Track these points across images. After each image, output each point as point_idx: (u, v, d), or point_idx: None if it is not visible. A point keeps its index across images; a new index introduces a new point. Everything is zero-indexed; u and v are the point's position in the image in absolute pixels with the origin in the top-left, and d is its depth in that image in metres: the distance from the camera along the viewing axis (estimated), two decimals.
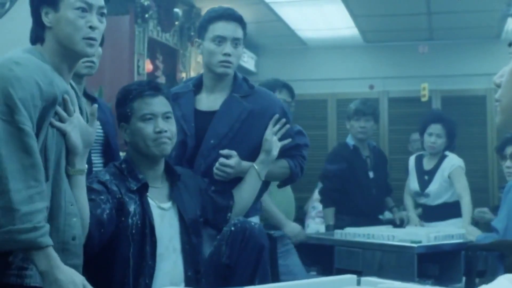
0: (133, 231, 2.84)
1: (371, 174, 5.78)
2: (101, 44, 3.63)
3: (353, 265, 4.61)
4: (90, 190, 2.73)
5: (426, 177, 5.86)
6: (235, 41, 3.45)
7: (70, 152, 2.51)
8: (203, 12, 7.64)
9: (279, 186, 3.80)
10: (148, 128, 2.96)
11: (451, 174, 5.64)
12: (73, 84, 2.76)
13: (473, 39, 9.00)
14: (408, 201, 6.09)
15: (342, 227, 5.07)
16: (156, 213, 2.94)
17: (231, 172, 3.30)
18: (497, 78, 1.42)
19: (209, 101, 3.48)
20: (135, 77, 6.15)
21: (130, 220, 2.84)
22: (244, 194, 3.34)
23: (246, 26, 3.55)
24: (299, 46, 9.72)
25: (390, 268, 4.51)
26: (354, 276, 2.31)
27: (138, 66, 6.23)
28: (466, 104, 8.99)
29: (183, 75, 7.25)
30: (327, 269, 4.90)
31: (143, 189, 2.93)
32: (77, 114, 2.54)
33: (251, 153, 3.38)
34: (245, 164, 3.35)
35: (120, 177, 2.93)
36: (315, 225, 7.08)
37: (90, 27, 2.51)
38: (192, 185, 3.18)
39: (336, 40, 9.48)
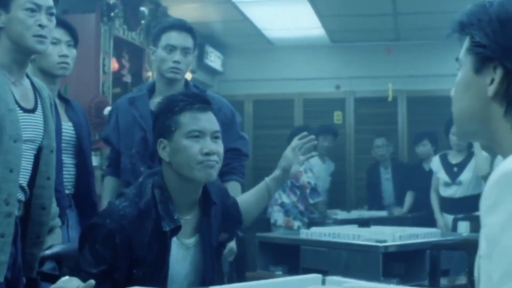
0: (139, 274, 2.52)
1: None
2: (76, 46, 3.66)
3: (319, 265, 4.62)
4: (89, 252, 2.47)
5: (455, 169, 6.22)
6: (185, 50, 3.75)
7: None
8: (169, 11, 7.66)
9: None
10: (194, 148, 2.53)
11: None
12: (32, 78, 2.84)
13: (440, 40, 9.05)
14: (435, 202, 6.55)
15: None
16: (177, 253, 2.60)
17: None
18: (452, 91, 1.47)
19: None
20: (101, 76, 6.11)
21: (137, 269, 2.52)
22: (251, 209, 3.00)
23: (196, 36, 3.84)
24: (266, 46, 9.72)
25: (356, 267, 4.53)
26: (319, 276, 2.31)
27: (104, 65, 6.19)
28: (432, 104, 9.04)
29: (149, 74, 7.22)
30: (293, 269, 4.91)
31: (173, 232, 2.55)
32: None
33: None
34: None
35: (146, 218, 2.52)
36: (275, 213, 7.30)
37: (40, 26, 2.74)
38: (219, 207, 2.79)
39: (303, 40, 9.49)
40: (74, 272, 2.45)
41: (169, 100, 2.64)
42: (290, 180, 7.17)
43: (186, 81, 3.87)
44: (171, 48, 3.72)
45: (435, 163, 6.81)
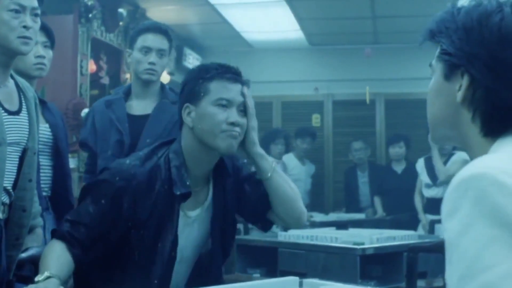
0: (144, 242, 2.48)
1: None
2: (52, 47, 3.64)
3: (297, 267, 4.62)
4: (91, 201, 2.47)
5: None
6: (160, 52, 3.81)
7: None
8: (148, 13, 7.65)
9: None
10: (220, 116, 2.47)
11: (451, 161, 6.25)
12: (17, 78, 2.80)
13: (417, 44, 9.10)
14: (418, 203, 6.78)
15: None
16: (179, 222, 2.54)
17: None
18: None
19: (140, 106, 3.82)
20: (78, 77, 6.09)
21: (142, 231, 2.48)
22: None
23: (172, 39, 3.92)
24: (245, 48, 9.72)
25: (334, 270, 4.54)
26: (297, 278, 2.31)
27: (82, 67, 6.16)
28: (409, 107, 9.09)
29: (127, 76, 7.19)
30: (270, 271, 4.91)
31: (182, 198, 2.50)
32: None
33: None
34: None
35: (155, 180, 2.49)
36: None
37: (24, 27, 2.68)
38: (235, 180, 2.67)
39: (282, 43, 9.51)
40: (72, 224, 2.44)
41: (201, 67, 2.63)
42: None
43: (162, 84, 3.93)
44: (147, 50, 3.79)
45: (420, 165, 6.99)
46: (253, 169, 2.68)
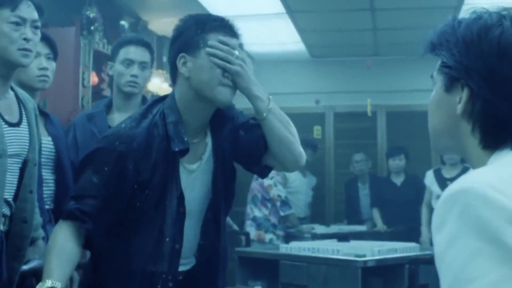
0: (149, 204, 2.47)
1: None
2: (55, 59, 3.64)
3: (298, 279, 4.62)
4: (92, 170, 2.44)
5: (449, 183, 6.35)
6: (143, 64, 3.83)
7: None
8: (150, 25, 7.66)
9: None
10: (219, 68, 2.46)
11: None
12: (17, 90, 2.80)
13: (419, 55, 9.09)
14: (425, 216, 6.73)
15: None
16: (182, 177, 2.53)
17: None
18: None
19: (121, 119, 3.70)
20: (80, 89, 6.08)
21: (147, 192, 2.46)
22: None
23: (154, 52, 3.96)
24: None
25: (335, 282, 4.54)
26: None
27: (83, 79, 6.16)
28: (411, 119, 9.09)
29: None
30: (272, 284, 4.91)
31: (180, 154, 2.49)
32: None
33: None
34: None
35: (153, 138, 2.47)
36: (247, 228, 7.37)
37: (25, 39, 2.70)
38: (228, 129, 2.65)
39: (283, 55, 9.52)
40: (78, 200, 2.43)
41: (198, 17, 2.57)
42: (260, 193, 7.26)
43: (143, 97, 3.97)
44: (129, 62, 3.81)
45: (429, 178, 6.95)
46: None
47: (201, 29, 2.50)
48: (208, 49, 2.46)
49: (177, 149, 2.45)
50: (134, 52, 3.82)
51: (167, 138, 2.47)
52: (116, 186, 2.43)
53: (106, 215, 2.44)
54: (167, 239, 2.48)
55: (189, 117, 2.52)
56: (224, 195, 2.65)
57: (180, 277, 2.57)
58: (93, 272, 2.57)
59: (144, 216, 2.47)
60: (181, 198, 2.50)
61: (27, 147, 2.79)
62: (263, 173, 2.72)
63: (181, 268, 2.57)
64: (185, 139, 2.48)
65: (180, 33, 2.54)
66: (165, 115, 2.50)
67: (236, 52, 2.47)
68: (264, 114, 2.54)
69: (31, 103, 2.91)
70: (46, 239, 3.48)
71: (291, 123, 2.67)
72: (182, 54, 2.49)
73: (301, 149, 2.65)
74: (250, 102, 2.54)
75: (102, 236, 2.48)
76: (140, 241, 2.47)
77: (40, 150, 3.41)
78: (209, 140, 2.62)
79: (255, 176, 7.46)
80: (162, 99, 2.61)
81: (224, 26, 2.54)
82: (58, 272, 2.32)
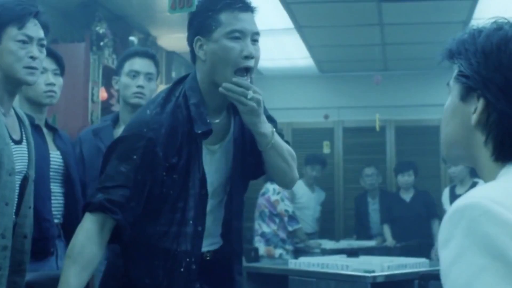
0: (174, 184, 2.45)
1: None
2: (62, 74, 3.65)
3: None
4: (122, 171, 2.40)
5: None
6: (148, 76, 3.80)
7: None
8: (159, 40, 7.69)
9: None
10: (235, 49, 2.43)
11: None
12: (19, 111, 2.82)
13: (427, 70, 9.11)
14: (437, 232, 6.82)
15: None
16: (203, 159, 2.52)
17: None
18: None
19: None
20: (89, 105, 6.11)
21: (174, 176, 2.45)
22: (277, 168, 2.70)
23: (158, 64, 3.91)
24: (255, 76, 9.74)
25: None
26: None
27: (93, 94, 6.18)
28: (419, 134, 9.09)
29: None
30: None
31: (204, 135, 2.47)
32: None
33: None
34: None
35: (178, 122, 2.45)
36: (256, 244, 7.39)
37: (31, 57, 2.70)
38: None
39: (292, 70, 9.54)
40: (106, 190, 2.39)
41: None
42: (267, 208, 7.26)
43: None
44: (135, 74, 3.78)
45: (444, 195, 7.01)
46: None
47: (212, 9, 2.46)
48: (224, 85, 2.44)
49: (200, 131, 2.44)
50: (139, 64, 3.80)
51: (190, 120, 2.46)
52: (146, 173, 2.41)
53: (136, 204, 2.41)
54: (190, 222, 2.47)
55: (210, 98, 2.51)
56: (242, 175, 2.65)
57: (208, 258, 2.57)
58: (121, 254, 2.56)
59: (168, 200, 2.46)
60: (203, 179, 2.50)
61: (26, 163, 2.81)
62: (256, 173, 2.76)
63: (209, 248, 2.58)
64: (208, 120, 2.47)
65: (194, 16, 2.53)
66: (187, 96, 2.49)
67: (251, 92, 2.44)
68: (266, 147, 2.57)
69: (26, 119, 2.93)
70: (55, 252, 3.48)
71: (291, 151, 2.69)
72: (198, 37, 2.48)
73: (295, 175, 2.71)
74: (254, 135, 2.56)
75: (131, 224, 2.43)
76: (164, 224, 2.46)
77: (48, 164, 3.43)
78: (231, 119, 2.63)
79: (262, 191, 7.50)
80: (183, 79, 2.60)
81: (236, 3, 2.48)
82: (74, 284, 2.31)
